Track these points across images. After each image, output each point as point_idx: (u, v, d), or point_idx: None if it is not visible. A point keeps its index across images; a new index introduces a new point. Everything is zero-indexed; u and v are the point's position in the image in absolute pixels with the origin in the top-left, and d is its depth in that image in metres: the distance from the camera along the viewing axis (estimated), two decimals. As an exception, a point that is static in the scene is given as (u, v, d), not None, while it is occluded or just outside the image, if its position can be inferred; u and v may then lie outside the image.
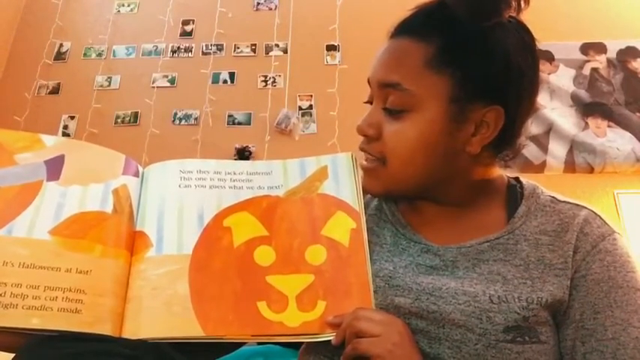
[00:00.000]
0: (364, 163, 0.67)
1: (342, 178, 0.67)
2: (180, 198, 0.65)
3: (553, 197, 0.66)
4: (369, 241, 0.65)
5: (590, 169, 2.55)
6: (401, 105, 0.62)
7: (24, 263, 0.53)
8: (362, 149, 0.66)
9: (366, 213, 0.68)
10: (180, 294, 0.57)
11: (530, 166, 2.57)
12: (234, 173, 0.68)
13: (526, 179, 0.70)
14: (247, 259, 0.61)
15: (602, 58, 2.77)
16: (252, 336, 0.57)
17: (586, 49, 2.79)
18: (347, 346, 0.55)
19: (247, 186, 0.67)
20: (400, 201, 0.72)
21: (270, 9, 3.03)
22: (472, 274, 0.59)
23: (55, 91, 2.91)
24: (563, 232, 0.61)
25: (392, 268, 0.63)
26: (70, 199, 0.59)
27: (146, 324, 0.55)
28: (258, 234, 0.63)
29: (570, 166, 2.56)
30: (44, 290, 0.52)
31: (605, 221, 0.63)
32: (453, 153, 0.62)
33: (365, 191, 0.68)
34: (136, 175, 0.66)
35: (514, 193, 0.68)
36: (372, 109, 0.66)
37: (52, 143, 0.63)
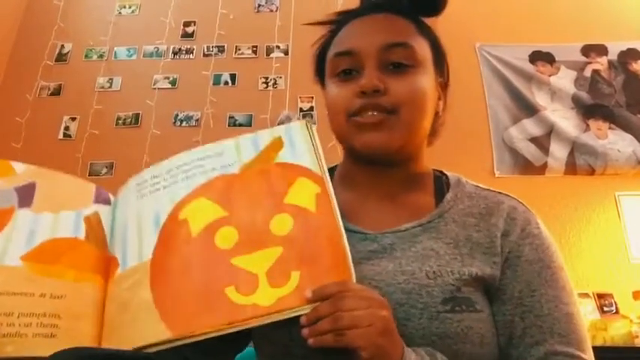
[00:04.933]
0: (374, 119, 0.66)
1: (299, 145, 0.63)
2: (138, 210, 0.63)
3: (477, 186, 0.73)
4: None
5: (591, 171, 2.55)
6: (409, 60, 0.68)
7: None
8: (367, 105, 0.66)
9: None
10: (143, 300, 0.55)
11: (531, 168, 2.56)
12: (185, 164, 0.65)
13: (450, 172, 0.77)
14: (208, 246, 0.57)
15: (604, 59, 2.77)
16: (227, 325, 0.52)
17: (587, 50, 2.79)
18: (323, 330, 0.50)
19: (200, 172, 0.63)
20: (338, 193, 0.74)
21: (271, 10, 3.03)
22: (408, 253, 0.64)
23: (57, 92, 2.92)
24: (488, 215, 0.68)
25: None
26: (42, 225, 0.59)
27: (118, 340, 0.54)
28: (216, 216, 0.59)
29: (571, 167, 2.56)
30: (18, 317, 0.51)
31: (527, 207, 0.71)
32: (433, 111, 0.72)
33: (378, 148, 0.67)
34: (107, 202, 0.66)
35: (440, 183, 0.74)
36: (368, 72, 0.67)
37: (22, 170, 0.63)
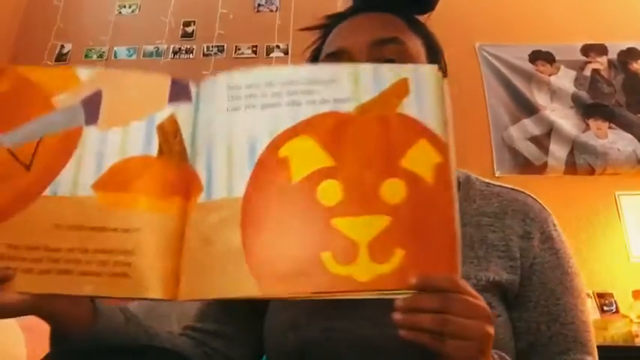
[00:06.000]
0: None
1: (427, 98, 0.52)
2: (229, 125, 0.55)
3: (488, 183, 0.72)
4: None
5: (591, 171, 2.55)
6: (402, 57, 0.65)
7: (73, 225, 0.51)
8: None
9: None
10: (233, 247, 0.50)
11: (531, 168, 2.57)
12: (291, 84, 0.55)
13: (457, 168, 0.73)
14: (309, 198, 0.50)
15: (603, 59, 2.77)
16: (314, 293, 0.47)
17: (587, 50, 2.79)
18: (424, 326, 0.44)
19: (307, 100, 0.53)
20: None
21: (271, 10, 3.03)
22: None
23: (57, 92, 2.92)
24: (502, 214, 0.66)
25: None
26: (111, 145, 0.54)
27: (200, 283, 0.50)
28: (321, 165, 0.51)
29: (571, 167, 2.56)
30: (94, 254, 0.49)
31: (541, 205, 0.69)
32: None
33: None
34: (188, 98, 0.57)
35: None
36: None
37: (86, 77, 0.57)
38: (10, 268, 0.48)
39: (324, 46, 0.73)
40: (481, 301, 0.46)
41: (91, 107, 0.56)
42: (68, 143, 0.54)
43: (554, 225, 0.67)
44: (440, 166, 0.49)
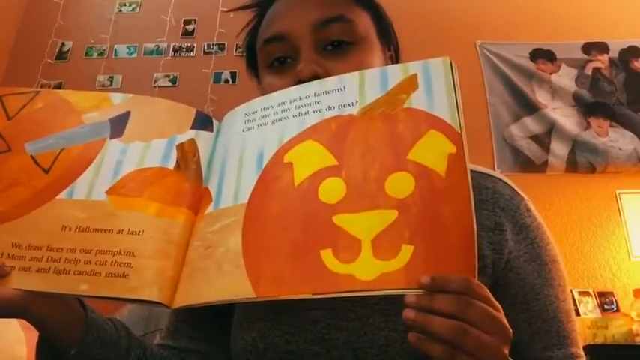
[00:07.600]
0: None
1: (438, 89, 0.51)
2: (243, 144, 0.56)
3: None
4: None
5: (592, 169, 2.55)
6: (349, 36, 0.61)
7: (81, 227, 0.52)
8: None
9: None
10: (231, 250, 0.50)
11: (531, 166, 2.56)
12: (300, 99, 0.55)
13: None
14: (310, 198, 0.49)
15: (604, 57, 2.77)
16: (314, 294, 0.45)
17: (588, 48, 2.79)
18: (437, 333, 0.39)
19: (314, 109, 0.54)
20: None
21: (272, 8, 3.03)
22: None
23: (57, 90, 2.92)
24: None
25: None
26: (130, 156, 0.57)
27: (196, 288, 0.49)
28: (324, 165, 0.50)
29: (572, 165, 2.56)
30: (95, 254, 0.50)
31: (513, 189, 0.62)
32: None
33: None
34: (209, 129, 0.60)
35: None
36: (304, 56, 0.61)
37: (119, 101, 0.61)
38: (6, 265, 0.48)
39: (261, 29, 0.67)
40: (502, 314, 0.42)
41: (118, 124, 0.59)
42: (90, 152, 0.57)
43: (528, 210, 0.61)
44: (453, 157, 0.47)
